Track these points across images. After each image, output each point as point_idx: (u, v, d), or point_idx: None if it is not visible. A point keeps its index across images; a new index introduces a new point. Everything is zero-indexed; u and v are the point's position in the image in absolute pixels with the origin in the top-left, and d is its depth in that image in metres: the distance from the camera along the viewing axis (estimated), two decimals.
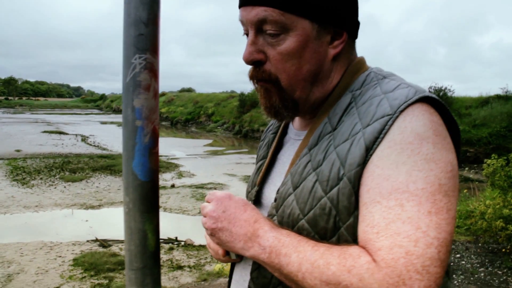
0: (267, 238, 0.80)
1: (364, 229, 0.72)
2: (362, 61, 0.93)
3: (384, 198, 0.70)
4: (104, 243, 6.86)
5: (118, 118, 46.04)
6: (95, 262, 5.97)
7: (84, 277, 5.49)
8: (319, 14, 0.83)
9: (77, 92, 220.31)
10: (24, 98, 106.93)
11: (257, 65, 0.87)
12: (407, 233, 0.67)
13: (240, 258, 0.96)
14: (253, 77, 0.90)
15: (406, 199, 0.69)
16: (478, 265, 4.93)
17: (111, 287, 5.17)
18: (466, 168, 15.10)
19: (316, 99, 0.90)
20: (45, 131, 26.55)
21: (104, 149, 19.27)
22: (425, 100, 0.77)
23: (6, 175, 11.98)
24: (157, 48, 0.95)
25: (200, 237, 6.86)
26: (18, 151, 17.07)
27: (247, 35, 0.88)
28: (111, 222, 8.29)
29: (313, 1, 0.82)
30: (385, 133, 0.74)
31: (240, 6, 0.88)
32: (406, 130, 0.73)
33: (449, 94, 21.70)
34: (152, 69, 0.94)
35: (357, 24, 0.90)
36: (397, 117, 0.74)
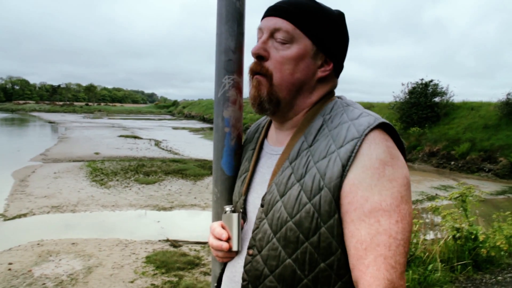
0: None
1: (355, 245, 0.95)
2: (333, 93, 1.15)
3: (367, 216, 0.94)
4: (175, 243, 7.19)
5: (190, 123, 47.45)
6: (166, 260, 6.27)
7: (156, 274, 5.80)
8: (319, 40, 1.06)
9: (151, 98, 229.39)
10: (102, 104, 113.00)
11: (260, 59, 1.07)
12: (384, 242, 0.92)
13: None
14: (252, 70, 1.09)
15: (381, 215, 0.93)
16: None
17: (181, 285, 5.43)
18: None
19: (294, 107, 1.10)
20: (121, 135, 28.00)
21: (176, 153, 19.98)
22: (381, 125, 1.00)
23: (86, 176, 12.81)
24: (242, 70, 1.23)
25: None
26: (97, 153, 18.16)
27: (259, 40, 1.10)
28: (182, 224, 8.65)
29: (319, 31, 1.06)
30: (356, 152, 0.96)
31: (264, 17, 1.10)
32: (372, 157, 0.95)
33: None
34: (238, 87, 1.23)
35: (342, 66, 1.13)
36: (363, 139, 0.96)
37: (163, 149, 21.80)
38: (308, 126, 1.08)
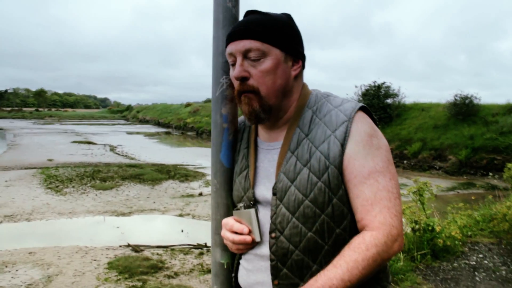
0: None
1: (362, 203, 1.15)
2: (307, 86, 1.32)
3: (367, 179, 1.15)
4: (136, 248, 7.10)
5: (145, 128, 46.75)
6: (128, 265, 6.20)
7: (119, 279, 5.72)
8: (286, 46, 1.21)
9: (103, 103, 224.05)
10: (53, 109, 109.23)
11: (243, 80, 1.20)
12: (385, 196, 1.14)
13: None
14: (239, 91, 1.22)
15: (377, 176, 1.15)
16: (500, 264, 4.99)
17: None
18: (496, 176, 14.86)
19: (283, 108, 1.26)
20: (74, 141, 27.26)
21: (132, 158, 19.69)
22: (361, 108, 1.22)
23: (40, 183, 12.43)
24: None
25: None
26: (50, 160, 17.63)
27: (233, 65, 1.23)
28: (142, 229, 8.56)
29: (282, 39, 1.20)
30: (349, 132, 1.16)
31: (229, 42, 1.22)
32: (361, 133, 1.17)
33: (475, 101, 21.47)
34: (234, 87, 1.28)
35: (305, 58, 1.29)
36: (351, 121, 1.18)
37: (118, 154, 21.44)
38: (300, 119, 1.25)
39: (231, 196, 1.37)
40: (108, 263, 6.35)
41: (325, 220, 1.17)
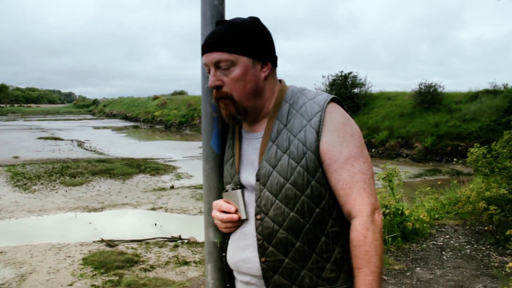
0: None
1: (342, 187, 1.30)
2: (284, 82, 1.46)
3: (344, 164, 1.29)
4: (110, 243, 7.07)
5: (112, 122, 45.98)
6: (104, 260, 6.16)
7: (95, 274, 5.69)
8: (252, 53, 1.33)
9: (68, 97, 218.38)
10: (16, 105, 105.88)
11: (218, 88, 1.34)
12: (360, 178, 1.29)
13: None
14: (216, 98, 1.36)
15: (353, 161, 1.29)
16: (465, 243, 5.28)
17: (122, 283, 5.38)
18: (460, 162, 15.35)
19: (258, 107, 1.39)
20: (40, 138, 26.60)
21: (101, 153, 19.43)
22: (333, 99, 1.37)
23: (7, 181, 12.14)
24: None
25: (202, 235, 7.10)
26: (16, 157, 17.19)
27: (209, 72, 1.35)
28: (115, 224, 8.54)
29: (248, 46, 1.32)
30: (323, 121, 1.30)
31: (203, 53, 1.35)
32: (334, 122, 1.31)
33: (439, 90, 22.05)
34: None
35: (276, 57, 1.42)
36: (324, 111, 1.32)
37: (87, 149, 21.10)
38: (278, 112, 1.39)
39: (222, 180, 1.49)
40: (83, 259, 6.30)
41: (305, 200, 1.30)
